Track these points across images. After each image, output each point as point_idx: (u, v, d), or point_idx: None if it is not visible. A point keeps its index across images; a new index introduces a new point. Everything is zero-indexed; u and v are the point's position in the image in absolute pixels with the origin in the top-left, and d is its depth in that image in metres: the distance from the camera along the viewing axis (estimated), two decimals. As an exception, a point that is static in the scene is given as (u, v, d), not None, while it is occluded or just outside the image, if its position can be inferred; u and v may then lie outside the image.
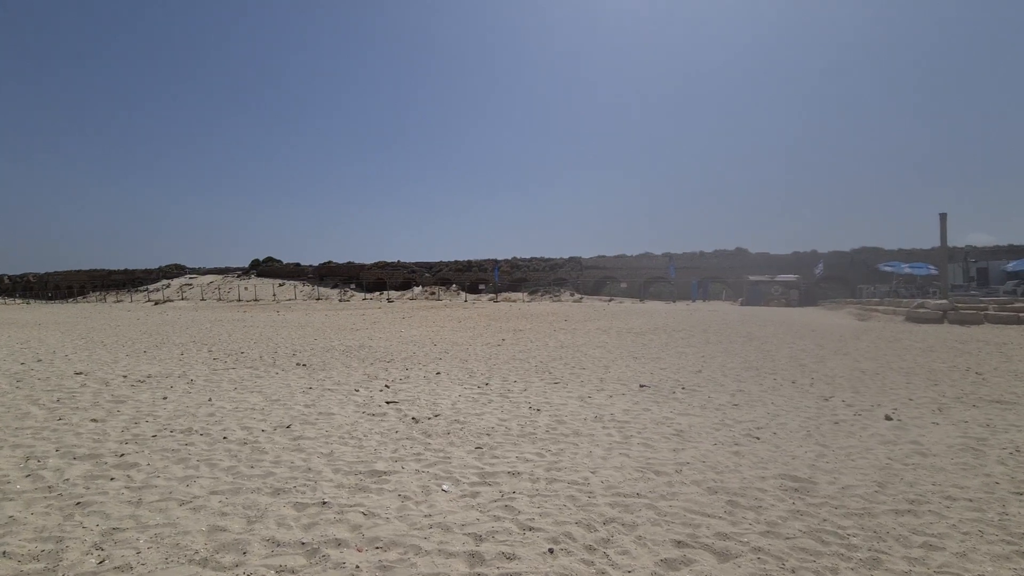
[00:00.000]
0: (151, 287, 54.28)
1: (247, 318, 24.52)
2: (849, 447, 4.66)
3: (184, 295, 50.27)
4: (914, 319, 17.23)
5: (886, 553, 2.78)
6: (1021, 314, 15.83)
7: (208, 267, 60.76)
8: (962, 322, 16.16)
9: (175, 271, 59.32)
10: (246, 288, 51.00)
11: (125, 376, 8.34)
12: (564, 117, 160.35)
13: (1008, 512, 3.27)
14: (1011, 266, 25.01)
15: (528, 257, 50.23)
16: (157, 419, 5.58)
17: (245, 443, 4.72)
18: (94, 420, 5.48)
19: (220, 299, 47.26)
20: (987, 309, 16.79)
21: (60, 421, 5.41)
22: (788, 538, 2.94)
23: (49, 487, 3.57)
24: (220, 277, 57.17)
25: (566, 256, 48.50)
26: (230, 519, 3.11)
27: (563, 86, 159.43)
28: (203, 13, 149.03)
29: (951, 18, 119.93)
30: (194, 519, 3.10)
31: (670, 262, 41.24)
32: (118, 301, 48.67)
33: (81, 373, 8.53)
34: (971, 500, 3.47)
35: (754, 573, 2.57)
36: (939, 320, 16.66)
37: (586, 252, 48.39)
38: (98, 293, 55.14)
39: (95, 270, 58.96)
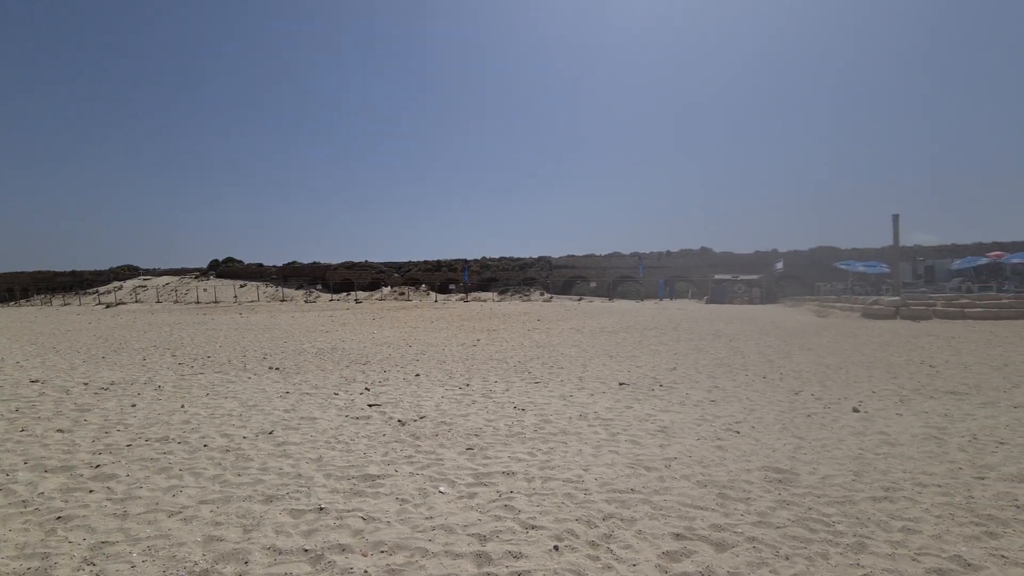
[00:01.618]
0: (101, 289, 51.67)
1: (209, 320, 23.69)
2: (823, 438, 4.89)
3: (138, 297, 48.09)
4: (869, 315, 18.13)
5: (870, 538, 2.94)
6: (966, 310, 16.89)
7: (163, 268, 58.32)
8: (913, 318, 17.11)
9: (127, 272, 56.67)
10: (205, 290, 49.19)
11: (86, 384, 7.94)
12: (533, 118, 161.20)
13: (974, 496, 3.51)
14: (956, 265, 26.66)
15: (497, 257, 50.28)
16: (129, 428, 5.35)
17: (228, 450, 4.59)
18: (60, 430, 5.21)
19: (177, 301, 45.44)
20: (935, 305, 17.83)
21: (23, 432, 5.12)
22: (779, 527, 3.07)
23: (24, 501, 3.38)
24: (177, 278, 54.96)
25: (535, 256, 48.81)
26: (225, 528, 3.02)
27: (532, 87, 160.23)
28: (166, 6, 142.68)
29: (898, 24, 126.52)
30: (187, 530, 3.00)
31: (639, 261, 42.04)
32: (65, 304, 46.12)
33: (37, 381, 8.08)
34: (940, 486, 3.70)
35: (752, 562, 2.69)
36: (892, 316, 17.59)
37: (555, 252, 48.78)
38: (43, 296, 52.11)
39: (39, 271, 55.71)
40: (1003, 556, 2.73)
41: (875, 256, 33.70)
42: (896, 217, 20.96)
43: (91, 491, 3.61)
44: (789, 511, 3.29)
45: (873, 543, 2.88)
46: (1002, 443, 4.67)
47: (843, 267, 28.88)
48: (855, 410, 5.93)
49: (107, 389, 7.51)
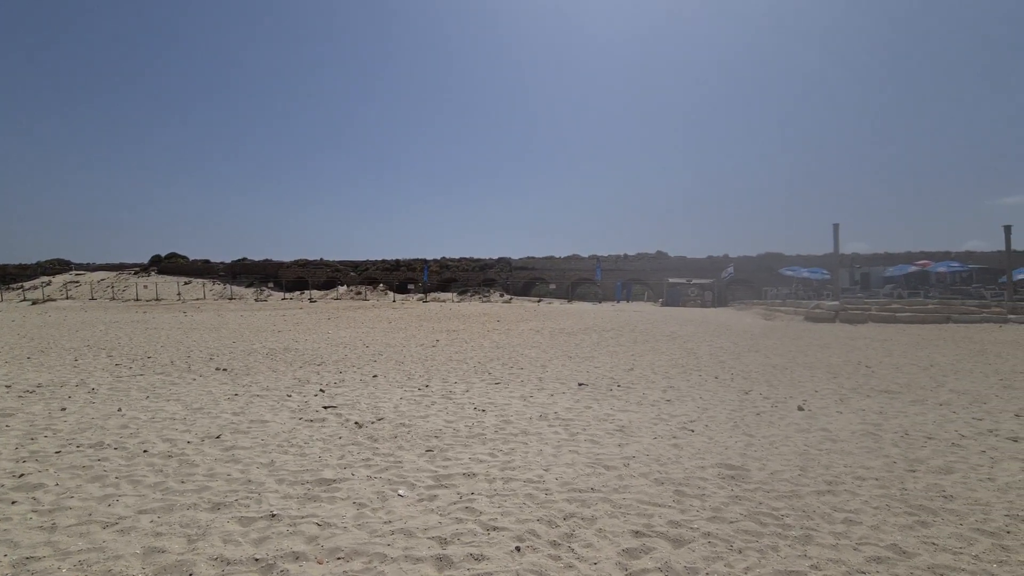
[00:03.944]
0: (27, 284, 47.97)
1: (149, 319, 22.40)
2: (771, 436, 5.10)
3: (69, 294, 44.92)
4: (812, 319, 19.12)
5: (815, 530, 3.08)
6: (897, 314, 18.08)
7: (99, 263, 54.76)
8: (851, 321, 18.16)
9: (58, 267, 52.90)
10: (145, 286, 46.54)
11: (8, 386, 7.34)
12: (493, 119, 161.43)
13: (907, 488, 3.74)
14: (888, 272, 28.53)
15: (457, 257, 49.95)
16: (58, 433, 4.97)
17: (170, 456, 4.33)
18: (-22, 437, 4.77)
19: (114, 298, 42.75)
20: (870, 310, 19.00)
21: (-67, 440, 4.66)
22: (732, 522, 3.17)
23: (-66, 516, 3.07)
24: (114, 274, 51.72)
25: (496, 256, 48.79)
26: (167, 539, 2.84)
27: (495, 88, 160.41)
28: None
29: (839, 45, 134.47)
30: (124, 542, 2.80)
31: (597, 264, 42.74)
32: (-14, 300, 42.52)
33: (-49, 383, 7.39)
34: (877, 479, 3.93)
35: (707, 556, 2.76)
36: (832, 320, 18.61)
37: (515, 252, 48.89)
38: (-41, 291, 47.82)
39: (-45, 264, 51.15)
40: (934, 544, 2.91)
41: (817, 262, 35.60)
42: (836, 226, 22.19)
43: (14, 502, 3.32)
44: (741, 506, 3.41)
45: (818, 535, 3.02)
46: (930, 438, 5.01)
47: (788, 273, 30.36)
48: (800, 408, 6.22)
49: (33, 392, 6.96)
